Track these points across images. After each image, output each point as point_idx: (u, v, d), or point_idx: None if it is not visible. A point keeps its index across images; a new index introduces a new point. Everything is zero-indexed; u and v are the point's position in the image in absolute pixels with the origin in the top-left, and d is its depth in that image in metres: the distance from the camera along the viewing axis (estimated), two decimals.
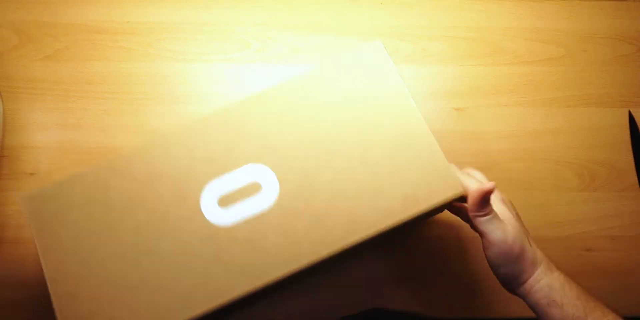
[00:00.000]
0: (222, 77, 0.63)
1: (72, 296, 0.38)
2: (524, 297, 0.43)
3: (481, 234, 0.42)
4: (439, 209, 0.42)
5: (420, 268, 0.57)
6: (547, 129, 0.63)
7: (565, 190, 0.61)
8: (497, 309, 0.56)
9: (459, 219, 0.48)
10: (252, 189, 0.40)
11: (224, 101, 0.62)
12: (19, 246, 0.56)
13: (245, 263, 0.38)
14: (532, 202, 0.60)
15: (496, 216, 0.42)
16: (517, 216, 0.45)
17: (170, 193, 0.40)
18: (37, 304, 0.54)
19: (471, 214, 0.42)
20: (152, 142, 0.42)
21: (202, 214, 0.40)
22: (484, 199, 0.40)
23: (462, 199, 0.42)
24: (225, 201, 0.40)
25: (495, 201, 0.45)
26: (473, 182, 0.42)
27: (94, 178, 0.41)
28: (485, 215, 0.41)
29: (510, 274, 0.42)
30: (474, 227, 0.43)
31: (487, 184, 0.40)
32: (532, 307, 0.42)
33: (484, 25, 0.67)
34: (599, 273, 0.58)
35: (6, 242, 0.56)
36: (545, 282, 0.41)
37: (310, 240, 0.39)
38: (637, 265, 0.59)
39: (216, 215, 0.40)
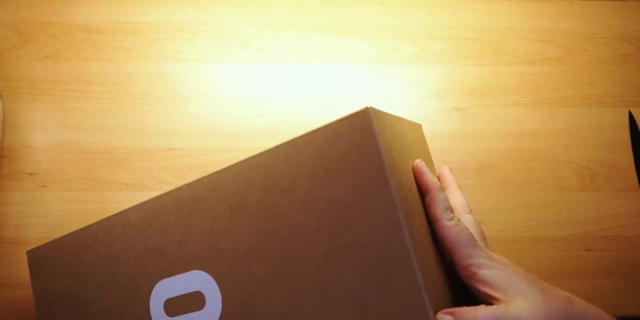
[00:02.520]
0: (222, 77, 0.63)
1: None
2: None
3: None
4: None
5: None
6: (547, 129, 0.63)
7: (565, 190, 0.61)
8: None
9: None
10: (196, 301, 0.36)
11: (223, 101, 0.62)
12: (18, 246, 0.56)
13: None
14: (532, 202, 0.60)
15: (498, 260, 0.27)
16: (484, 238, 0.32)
17: (126, 280, 0.39)
18: None
19: (464, 263, 0.27)
20: (111, 218, 0.40)
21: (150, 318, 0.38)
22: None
23: None
24: (172, 308, 0.37)
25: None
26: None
27: (71, 248, 0.42)
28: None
29: None
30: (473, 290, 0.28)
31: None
32: None
33: (484, 25, 0.67)
34: (599, 273, 0.58)
35: (5, 242, 0.56)
36: None
37: None
38: (637, 265, 0.59)
39: None
